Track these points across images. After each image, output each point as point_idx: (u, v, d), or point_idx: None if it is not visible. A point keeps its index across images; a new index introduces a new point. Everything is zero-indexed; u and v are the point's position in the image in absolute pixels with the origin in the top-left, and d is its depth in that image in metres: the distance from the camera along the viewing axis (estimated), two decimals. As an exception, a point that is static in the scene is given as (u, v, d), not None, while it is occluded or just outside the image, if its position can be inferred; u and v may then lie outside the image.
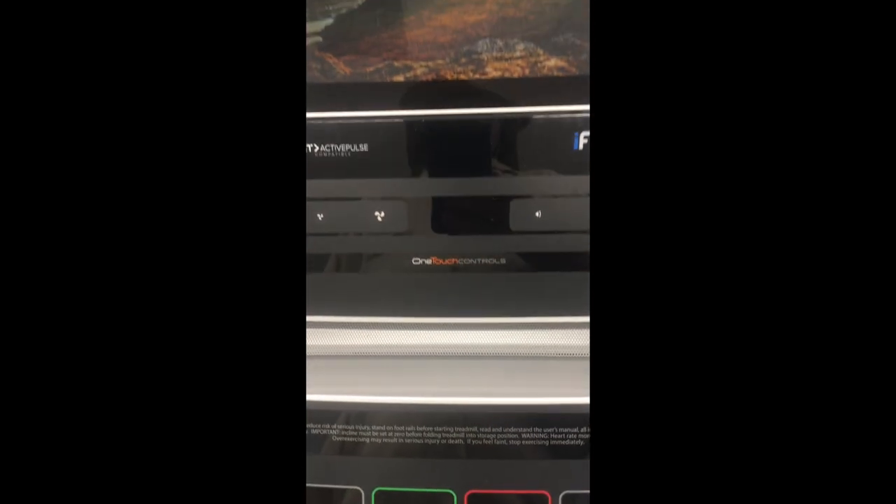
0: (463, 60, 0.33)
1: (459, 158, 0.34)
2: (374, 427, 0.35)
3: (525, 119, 0.33)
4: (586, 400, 0.34)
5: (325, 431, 0.36)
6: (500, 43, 0.32)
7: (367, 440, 0.35)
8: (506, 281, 0.36)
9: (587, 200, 0.34)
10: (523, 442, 0.35)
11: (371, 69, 0.33)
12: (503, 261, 0.35)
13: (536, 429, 0.34)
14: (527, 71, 0.33)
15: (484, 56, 0.33)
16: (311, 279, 0.36)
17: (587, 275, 0.35)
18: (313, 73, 0.34)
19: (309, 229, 0.35)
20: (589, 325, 0.36)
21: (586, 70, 0.32)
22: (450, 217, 0.35)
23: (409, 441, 0.35)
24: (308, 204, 0.35)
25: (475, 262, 0.36)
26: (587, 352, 0.37)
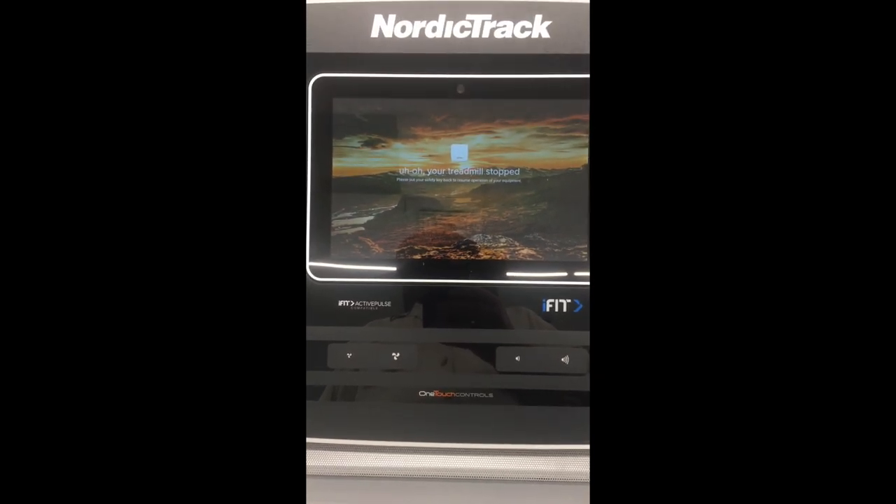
0: (463, 247, 0.47)
1: (459, 315, 0.46)
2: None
3: (507, 289, 0.46)
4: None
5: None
6: (489, 237, 0.47)
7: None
8: (492, 412, 0.45)
9: (554, 349, 0.45)
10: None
11: (397, 250, 0.47)
12: (491, 395, 0.45)
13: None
14: (507, 256, 0.46)
15: (478, 245, 0.47)
16: (338, 406, 0.44)
17: (558, 408, 0.44)
18: (356, 252, 0.47)
19: (339, 365, 0.45)
20: (561, 452, 0.44)
21: (549, 257, 0.46)
22: (450, 359, 0.45)
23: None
24: (340, 345, 0.45)
25: (468, 396, 0.45)
26: (560, 476, 0.44)
